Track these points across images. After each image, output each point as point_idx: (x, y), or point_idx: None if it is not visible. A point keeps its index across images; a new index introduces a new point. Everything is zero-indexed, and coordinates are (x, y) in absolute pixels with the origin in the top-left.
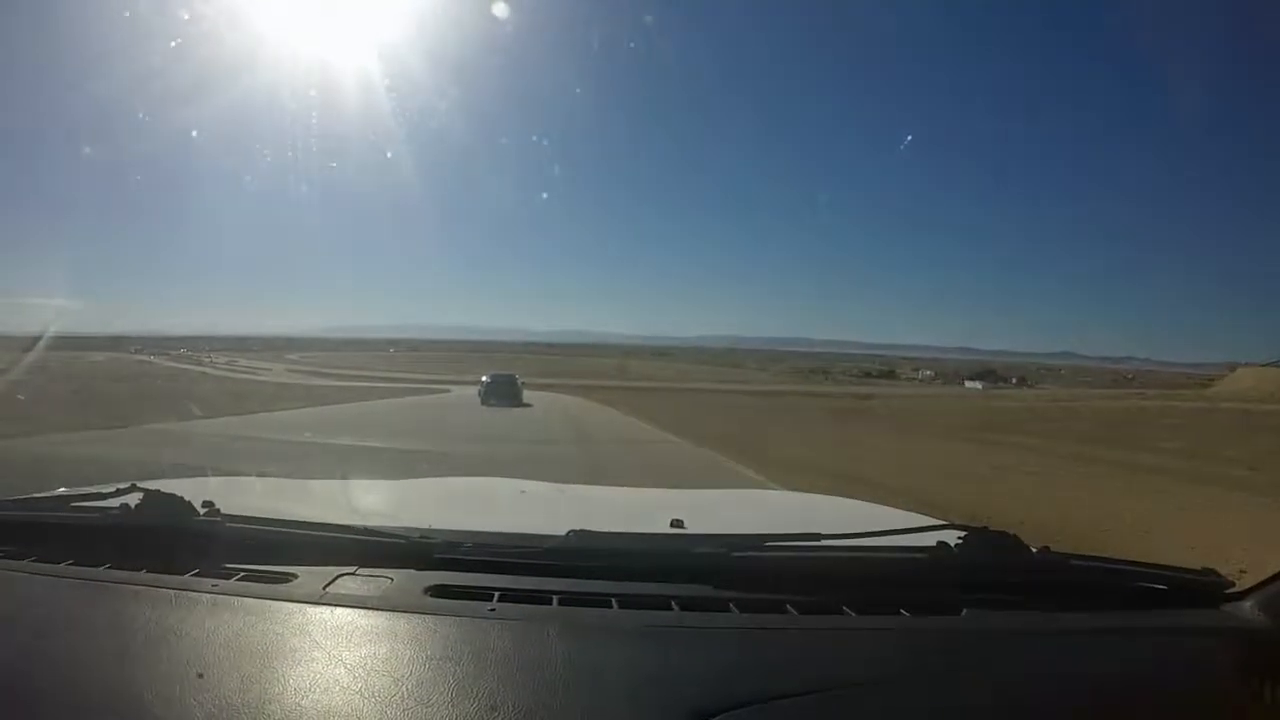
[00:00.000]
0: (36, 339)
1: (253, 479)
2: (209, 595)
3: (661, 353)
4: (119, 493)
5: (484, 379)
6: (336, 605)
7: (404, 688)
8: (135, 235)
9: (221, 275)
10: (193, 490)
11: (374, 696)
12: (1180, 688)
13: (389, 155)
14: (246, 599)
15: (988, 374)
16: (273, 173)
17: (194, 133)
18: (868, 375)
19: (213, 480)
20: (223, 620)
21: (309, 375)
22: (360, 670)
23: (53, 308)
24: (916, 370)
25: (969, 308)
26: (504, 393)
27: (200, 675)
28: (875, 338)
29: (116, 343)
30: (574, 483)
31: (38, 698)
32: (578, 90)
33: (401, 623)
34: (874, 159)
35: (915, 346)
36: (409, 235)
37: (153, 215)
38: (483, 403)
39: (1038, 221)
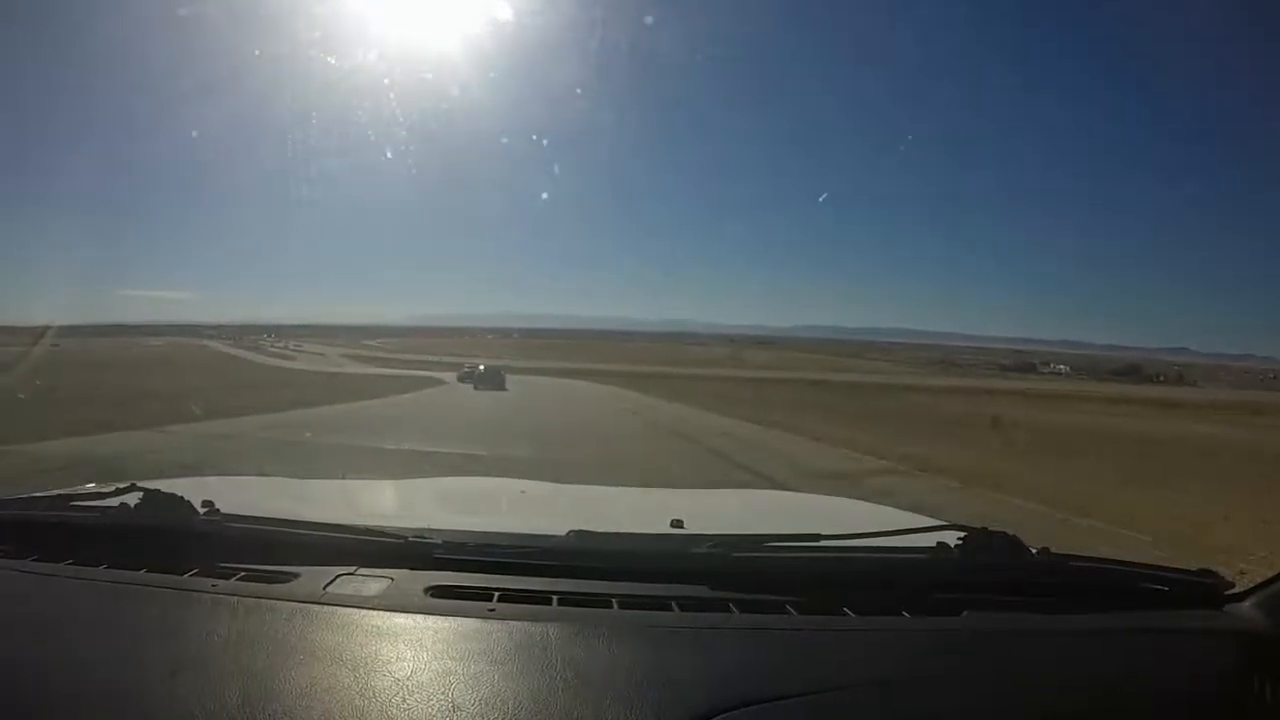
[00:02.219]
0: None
1: (253, 479)
2: (209, 595)
3: (764, 342)
4: (119, 492)
5: (480, 367)
6: (336, 605)
7: (404, 688)
8: (244, 230)
9: (327, 267)
10: (193, 490)
11: (374, 696)
12: (1180, 688)
13: (491, 145)
14: (247, 599)
15: (1131, 371)
16: (374, 166)
17: (292, 133)
18: (1003, 369)
19: (213, 480)
20: (223, 620)
21: (359, 362)
22: (360, 670)
23: (168, 299)
24: (1048, 365)
25: (1079, 300)
26: (491, 381)
27: (201, 675)
28: (976, 329)
29: (194, 330)
30: None
31: (38, 697)
32: (680, 82)
33: (401, 623)
34: (975, 146)
35: (1020, 340)
36: (512, 224)
37: (258, 210)
38: (475, 389)
39: (1151, 211)
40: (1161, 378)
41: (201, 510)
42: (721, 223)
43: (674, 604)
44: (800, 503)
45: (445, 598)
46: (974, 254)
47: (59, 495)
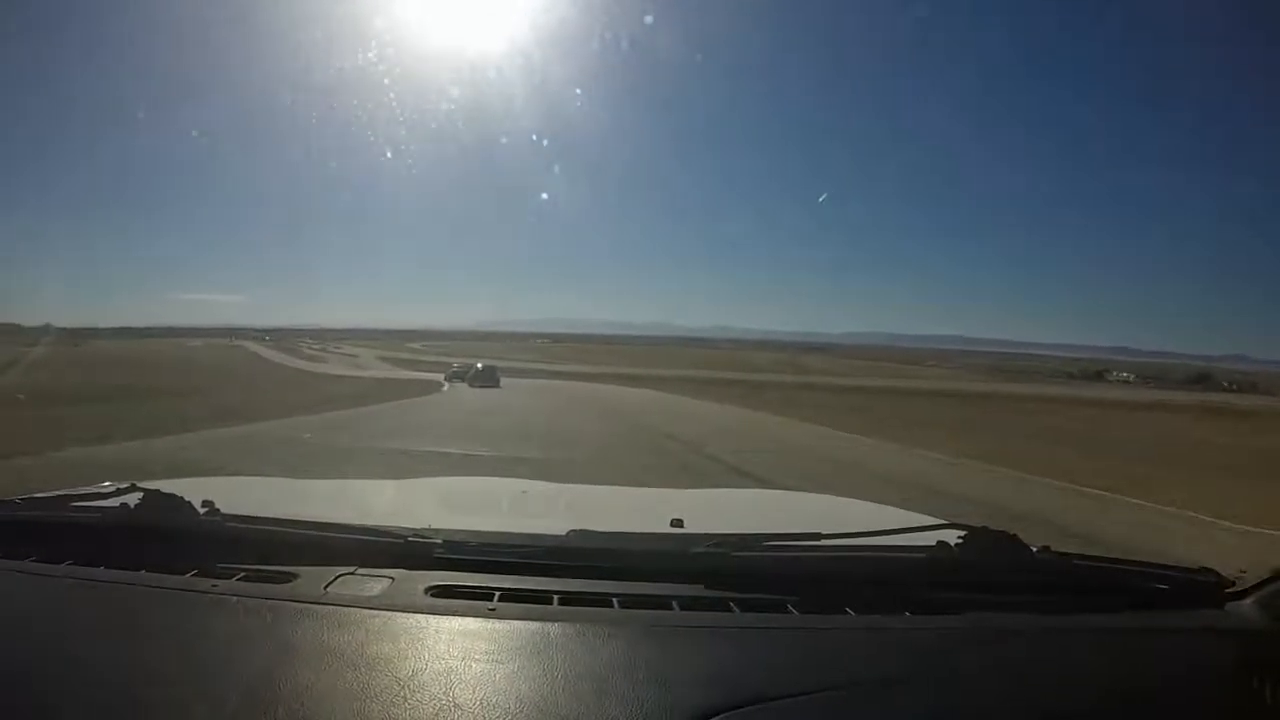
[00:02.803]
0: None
1: (253, 479)
2: (209, 595)
3: (815, 349)
4: (119, 492)
5: (477, 366)
6: (337, 605)
7: (404, 687)
8: (294, 236)
9: (377, 272)
10: (193, 490)
11: (374, 696)
12: (1180, 687)
13: (540, 155)
14: (247, 599)
15: (1201, 378)
16: (426, 175)
17: (345, 142)
18: (1070, 377)
19: (213, 480)
20: (223, 620)
21: (388, 364)
22: (361, 670)
23: (220, 302)
24: (1112, 372)
25: (1130, 306)
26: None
27: (201, 675)
28: (1024, 335)
29: (241, 332)
30: None
31: (38, 698)
32: (729, 85)
33: (402, 623)
34: (1026, 151)
35: (1070, 346)
36: (559, 232)
37: (308, 217)
38: (470, 385)
39: (1207, 216)
40: (1234, 386)
41: (201, 510)
42: (768, 227)
43: (674, 603)
44: (800, 502)
45: (446, 597)
46: (1024, 261)
47: (59, 495)
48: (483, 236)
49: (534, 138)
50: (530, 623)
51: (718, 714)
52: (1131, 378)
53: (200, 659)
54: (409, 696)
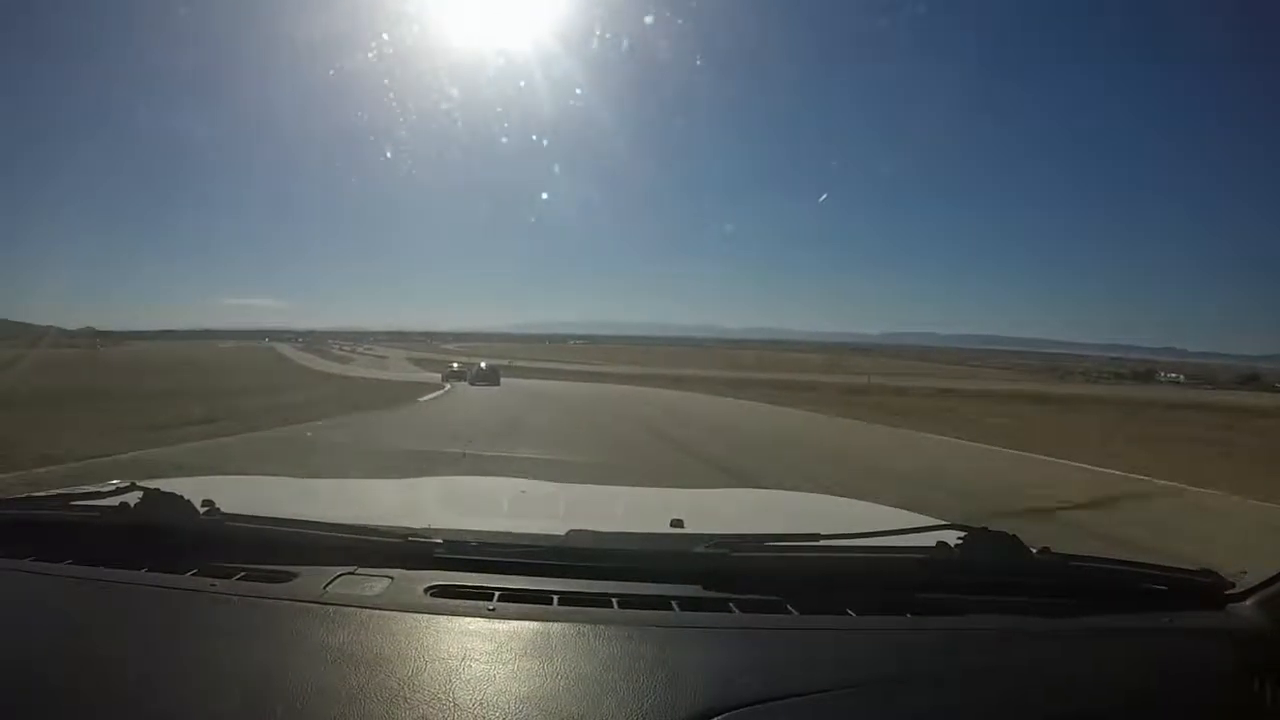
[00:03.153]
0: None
1: (253, 478)
2: (209, 594)
3: (858, 350)
4: (118, 491)
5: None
6: (336, 605)
7: (404, 687)
8: (335, 241)
9: (419, 276)
10: (193, 489)
11: (375, 696)
12: (1180, 688)
13: (580, 159)
14: (247, 598)
15: (1251, 378)
16: (466, 181)
17: (386, 151)
18: (1119, 377)
19: (213, 479)
20: (223, 619)
21: (414, 365)
22: (361, 670)
23: (263, 307)
24: (1160, 373)
25: (1173, 306)
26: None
27: (201, 675)
28: (1062, 335)
29: (280, 335)
30: None
31: (38, 698)
32: (734, 86)
33: (401, 622)
34: (1052, 149)
35: (1111, 346)
36: (600, 235)
37: (349, 223)
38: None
39: (1245, 212)
40: None
41: (201, 510)
42: (803, 228)
43: (674, 604)
44: (800, 502)
45: (445, 597)
46: (1060, 259)
47: (58, 495)
48: (519, 240)
49: (565, 143)
50: (530, 623)
51: (718, 714)
52: (1181, 378)
53: (200, 658)
54: (409, 696)
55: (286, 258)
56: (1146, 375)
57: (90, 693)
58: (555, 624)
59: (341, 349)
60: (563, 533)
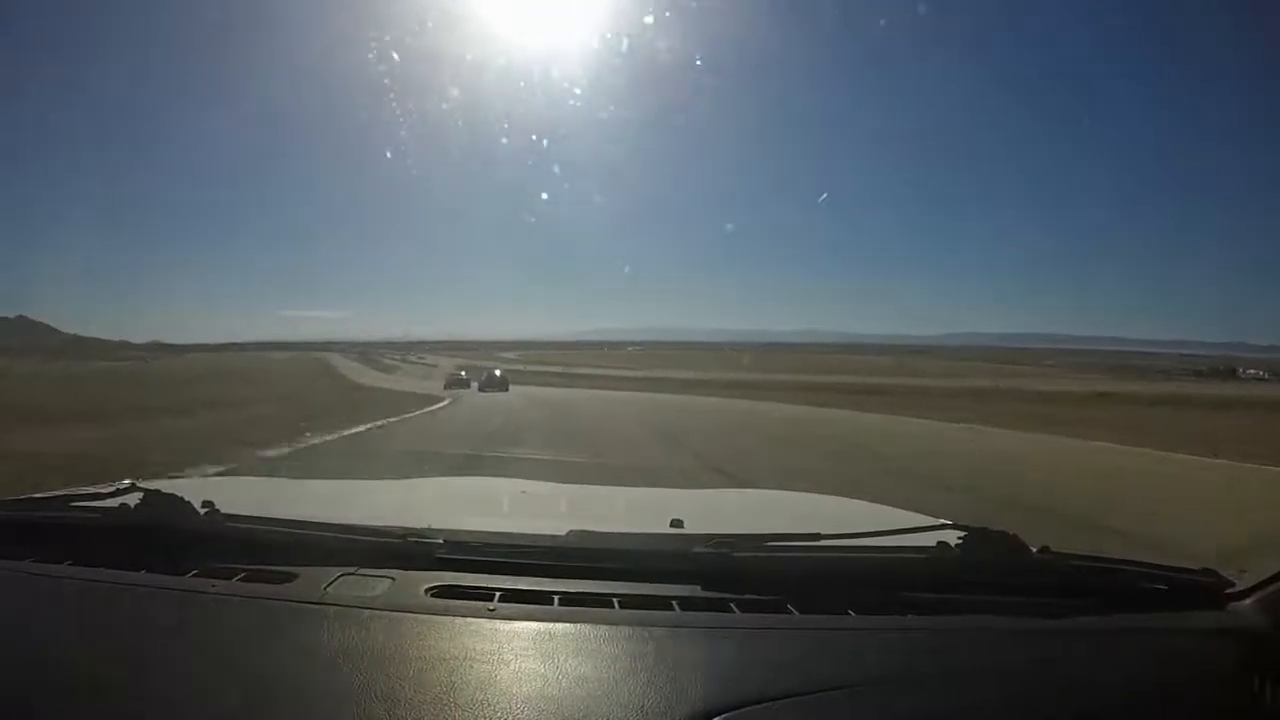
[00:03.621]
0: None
1: (253, 479)
2: (209, 595)
3: (917, 351)
4: (118, 492)
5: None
6: (337, 605)
7: (404, 687)
8: (398, 255)
9: (480, 286)
10: (192, 490)
11: (375, 696)
12: (1180, 688)
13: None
14: (247, 599)
15: None
16: (521, 194)
17: (446, 165)
18: (1199, 375)
19: (212, 480)
20: (223, 620)
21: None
22: (361, 670)
23: (327, 318)
24: (1241, 370)
25: (1236, 299)
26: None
27: (201, 676)
28: (1115, 331)
29: (342, 347)
30: None
31: (39, 699)
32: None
33: (402, 623)
34: (1105, 146)
35: (1170, 342)
36: (656, 244)
37: (411, 236)
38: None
39: None
40: None
41: (201, 510)
42: (858, 230)
43: (674, 604)
44: (800, 502)
45: (446, 597)
46: (1120, 256)
47: (58, 495)
48: (576, 250)
49: (623, 157)
50: (530, 623)
51: (718, 714)
52: (1265, 374)
53: (200, 659)
54: (410, 697)
55: (349, 272)
56: (1228, 373)
57: (91, 693)
58: (556, 624)
59: (393, 358)
60: (563, 533)
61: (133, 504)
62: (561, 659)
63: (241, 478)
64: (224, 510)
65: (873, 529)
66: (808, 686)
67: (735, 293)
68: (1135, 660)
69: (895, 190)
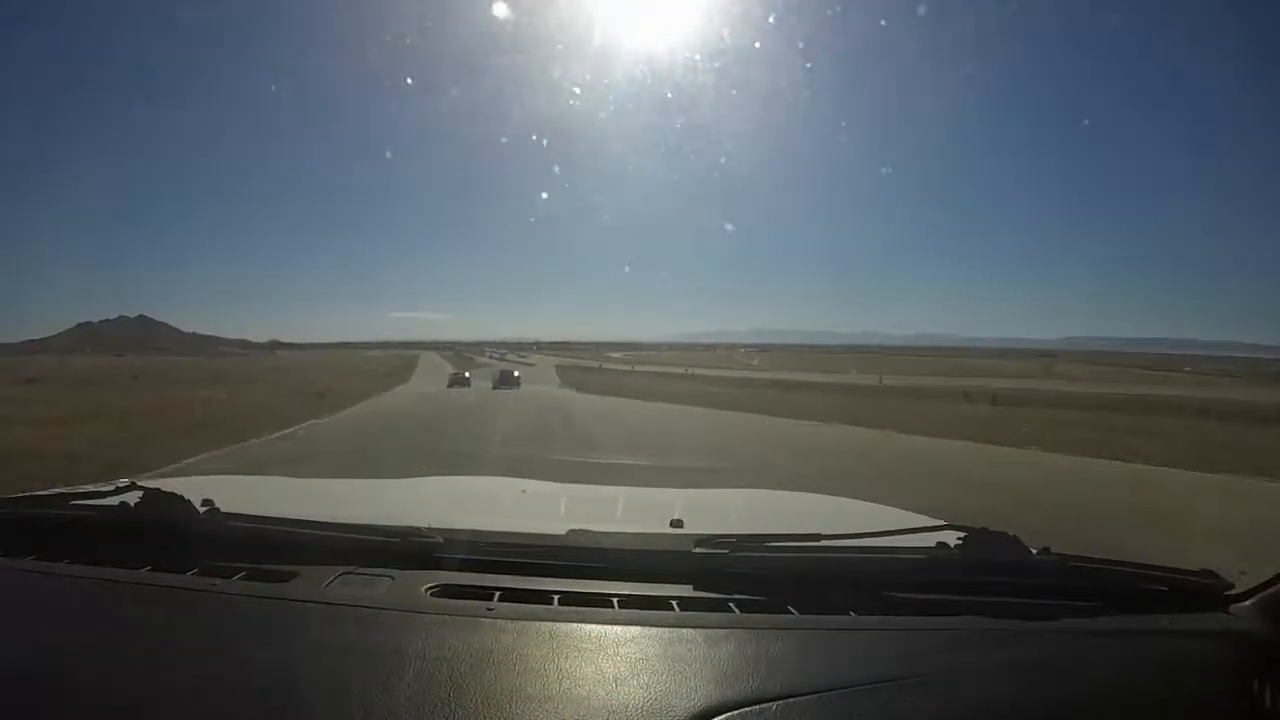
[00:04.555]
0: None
1: (253, 478)
2: (210, 594)
3: (1042, 354)
4: (118, 491)
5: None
6: (337, 604)
7: (404, 686)
8: (503, 258)
9: (586, 290)
10: (193, 489)
11: (374, 695)
12: (1180, 689)
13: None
14: (247, 598)
15: None
16: (630, 196)
17: (555, 166)
18: None
19: (213, 479)
20: (223, 619)
21: (545, 375)
22: (361, 669)
23: (429, 320)
24: None
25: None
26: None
27: (201, 674)
28: (1211, 335)
29: (440, 346)
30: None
31: (37, 697)
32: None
33: (402, 622)
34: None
35: (1217, 344)
36: (769, 248)
37: (518, 239)
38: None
39: None
40: None
41: (201, 509)
42: (967, 231)
43: (674, 604)
44: (800, 502)
45: (446, 597)
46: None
47: (58, 494)
48: (685, 252)
49: (740, 151)
50: (530, 623)
51: (718, 714)
52: None
53: (201, 658)
54: (409, 696)
55: (458, 275)
56: None
57: (91, 692)
58: (556, 624)
59: (490, 356)
60: (563, 533)
61: (133, 503)
62: (561, 659)
63: (241, 477)
64: (224, 509)
65: (872, 529)
66: (808, 686)
67: (846, 295)
68: (1135, 661)
69: (1028, 197)
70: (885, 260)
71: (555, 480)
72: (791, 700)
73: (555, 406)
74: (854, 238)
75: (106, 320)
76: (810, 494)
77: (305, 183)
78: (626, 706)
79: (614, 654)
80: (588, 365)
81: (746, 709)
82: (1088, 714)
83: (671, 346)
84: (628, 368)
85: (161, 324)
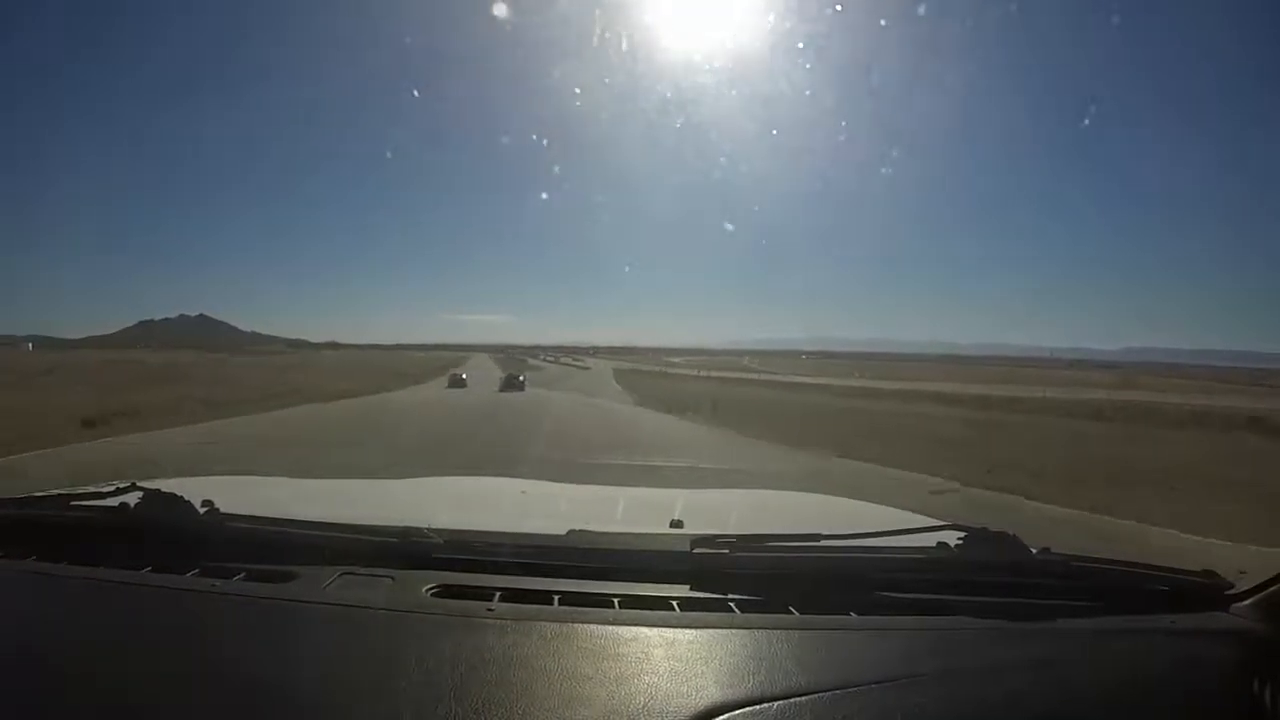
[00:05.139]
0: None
1: (253, 478)
2: (210, 595)
3: (1103, 366)
4: (119, 492)
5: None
6: (337, 605)
7: (404, 688)
8: (561, 261)
9: (646, 293)
10: (193, 490)
11: (374, 696)
12: (1180, 689)
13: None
14: (247, 598)
15: None
16: (689, 203)
17: (618, 172)
18: None
19: (213, 479)
20: (223, 620)
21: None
22: (361, 670)
23: (487, 322)
24: None
25: None
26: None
27: (201, 675)
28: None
29: (504, 349)
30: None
31: (38, 698)
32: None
33: (402, 622)
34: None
35: (1254, 354)
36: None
37: (581, 244)
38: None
39: None
40: None
41: (201, 510)
42: (1035, 235)
43: (674, 604)
44: (800, 502)
45: (446, 597)
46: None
47: (59, 495)
48: (745, 257)
49: (804, 160)
50: (531, 623)
51: (719, 714)
52: None
53: (200, 659)
54: (409, 696)
55: (515, 277)
56: None
57: (91, 693)
58: (556, 624)
59: (545, 359)
60: (563, 533)
61: (133, 503)
62: (562, 659)
63: (241, 477)
64: (224, 510)
65: (872, 529)
66: (808, 687)
67: (909, 303)
68: (1135, 661)
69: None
70: (947, 267)
71: None
72: (792, 700)
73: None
74: (912, 244)
75: (167, 319)
76: (810, 494)
77: (368, 185)
78: (627, 707)
79: (615, 654)
80: (666, 372)
81: (747, 709)
82: (1088, 714)
83: (730, 352)
84: (692, 372)
85: (221, 323)
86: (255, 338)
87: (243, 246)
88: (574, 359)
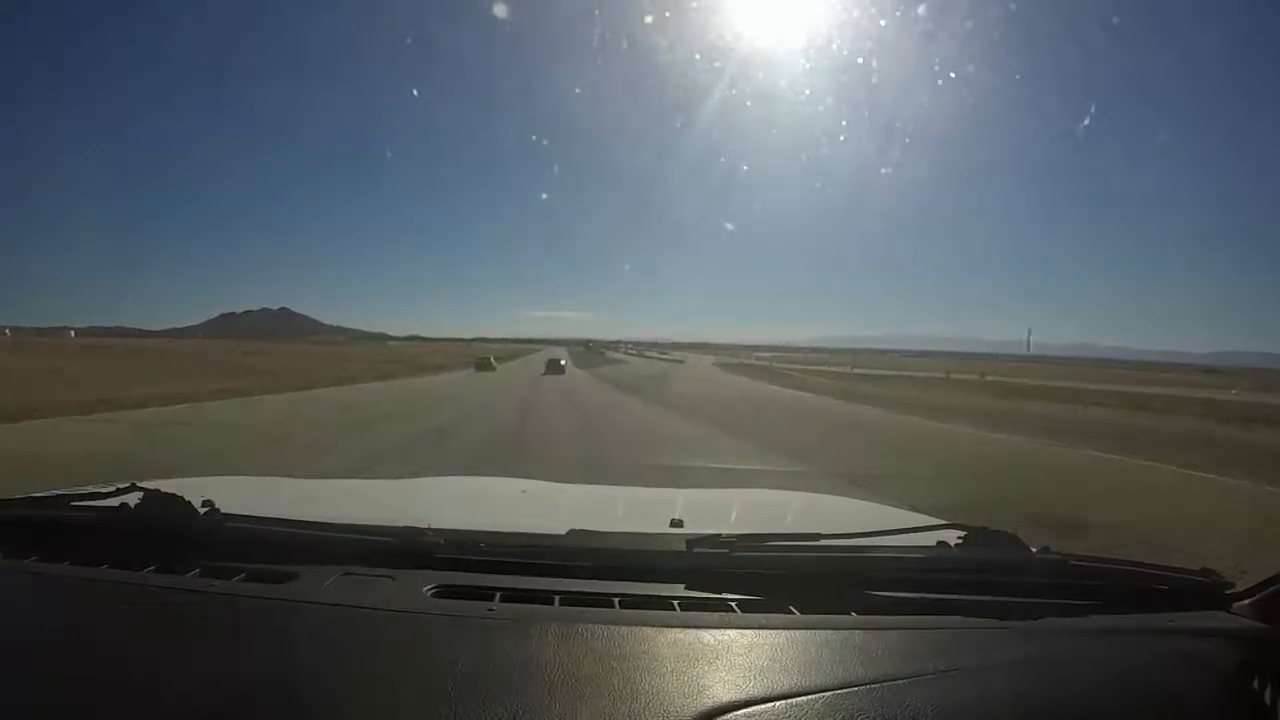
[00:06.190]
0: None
1: (253, 479)
2: (210, 595)
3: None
4: (119, 492)
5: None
6: (337, 605)
7: (404, 688)
8: (643, 259)
9: (733, 294)
10: (193, 490)
11: (374, 696)
12: (1180, 688)
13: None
14: (248, 599)
15: None
16: (778, 202)
17: (698, 171)
18: None
19: (213, 480)
20: (224, 620)
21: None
22: (361, 670)
23: (567, 318)
24: None
25: None
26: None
27: (201, 676)
28: None
29: (587, 344)
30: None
31: (38, 698)
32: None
33: (402, 622)
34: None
35: None
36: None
37: (665, 243)
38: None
39: None
40: None
41: (201, 510)
42: (1145, 232)
43: (675, 604)
44: (800, 502)
45: (446, 597)
46: None
47: (59, 495)
48: (828, 254)
49: (887, 153)
50: (531, 623)
51: (719, 714)
52: None
53: (201, 659)
54: (410, 697)
55: (598, 273)
56: None
57: (91, 693)
58: (556, 624)
59: (627, 353)
60: (563, 533)
61: (133, 504)
62: (562, 659)
63: (241, 477)
64: (224, 510)
65: (873, 529)
66: (808, 686)
67: (991, 302)
68: (1135, 660)
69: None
70: (1037, 266)
71: None
72: (792, 700)
73: None
74: (997, 242)
75: (249, 311)
76: (810, 494)
77: (452, 183)
78: (629, 707)
79: (615, 654)
80: (735, 362)
81: (748, 709)
82: (1088, 713)
83: (805, 349)
84: (783, 367)
85: (302, 316)
86: (337, 330)
87: (328, 242)
88: (659, 353)
